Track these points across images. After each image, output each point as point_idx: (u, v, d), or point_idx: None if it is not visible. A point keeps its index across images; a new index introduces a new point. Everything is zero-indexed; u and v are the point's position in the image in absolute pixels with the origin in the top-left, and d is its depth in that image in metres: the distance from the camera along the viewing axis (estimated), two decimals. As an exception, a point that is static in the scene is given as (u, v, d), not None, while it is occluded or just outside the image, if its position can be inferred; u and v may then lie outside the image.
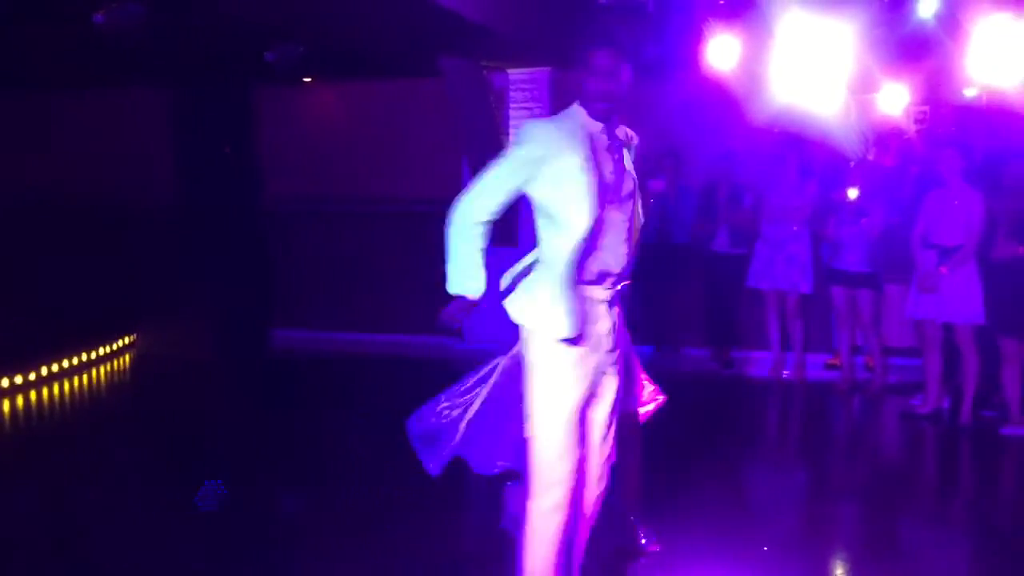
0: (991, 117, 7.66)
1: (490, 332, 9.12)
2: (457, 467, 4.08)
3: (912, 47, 7.26)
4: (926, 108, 8.41)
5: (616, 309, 3.38)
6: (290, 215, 9.63)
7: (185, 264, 8.76)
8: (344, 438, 6.23)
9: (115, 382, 8.26)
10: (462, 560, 4.32)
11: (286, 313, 9.53)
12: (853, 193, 7.15)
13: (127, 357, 9.00)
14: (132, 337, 9.22)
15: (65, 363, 8.09)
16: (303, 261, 9.60)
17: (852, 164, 7.46)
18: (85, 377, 8.17)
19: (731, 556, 4.28)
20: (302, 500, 5.10)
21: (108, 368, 8.58)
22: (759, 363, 8.13)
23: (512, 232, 8.81)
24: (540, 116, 8.81)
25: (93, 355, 8.53)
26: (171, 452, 5.89)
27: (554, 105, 8.76)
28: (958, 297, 6.32)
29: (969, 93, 8.04)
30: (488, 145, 8.65)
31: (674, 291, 8.28)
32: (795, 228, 7.63)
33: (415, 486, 5.22)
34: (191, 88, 8.77)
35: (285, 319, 9.51)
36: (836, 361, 7.86)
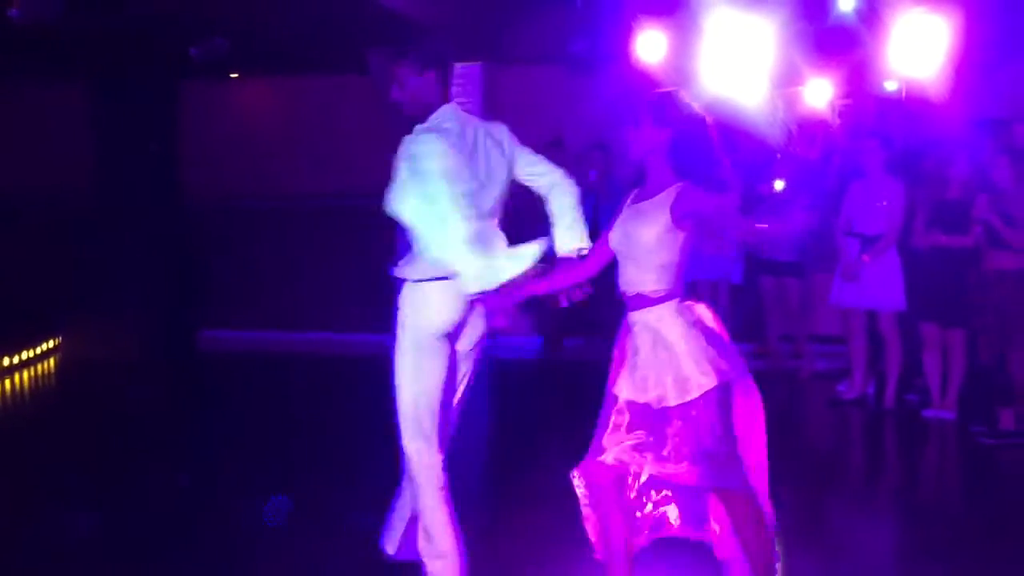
0: (911, 109, 7.89)
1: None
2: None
3: (834, 41, 7.43)
4: (849, 101, 8.60)
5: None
6: (218, 212, 9.47)
7: (109, 264, 8.54)
8: (272, 439, 6.15)
9: (39, 386, 8.04)
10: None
11: (215, 313, 9.37)
12: (779, 185, 7.29)
13: (51, 360, 8.76)
14: (56, 340, 8.98)
15: (-14, 368, 7.87)
16: (232, 260, 9.45)
17: (778, 156, 7.60)
18: (8, 382, 7.94)
19: (664, 541, 4.34)
20: (227, 503, 5.02)
21: (32, 372, 8.34)
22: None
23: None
24: (472, 110, 8.80)
25: (16, 359, 8.29)
26: (96, 456, 5.75)
27: (486, 100, 8.76)
28: (880, 285, 6.50)
29: (890, 86, 8.25)
30: (419, 140, 8.61)
31: (605, 283, 8.33)
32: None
33: (350, 485, 5.20)
34: (112, 83, 8.55)
35: (214, 319, 9.35)
36: (765, 349, 8.01)
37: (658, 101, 3.43)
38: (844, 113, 8.63)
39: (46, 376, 8.34)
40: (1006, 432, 5.87)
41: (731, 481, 3.32)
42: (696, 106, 3.45)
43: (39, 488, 5.24)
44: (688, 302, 3.42)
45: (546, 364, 8.54)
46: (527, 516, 4.60)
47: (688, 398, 3.27)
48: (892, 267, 6.47)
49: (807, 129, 7.88)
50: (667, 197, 3.33)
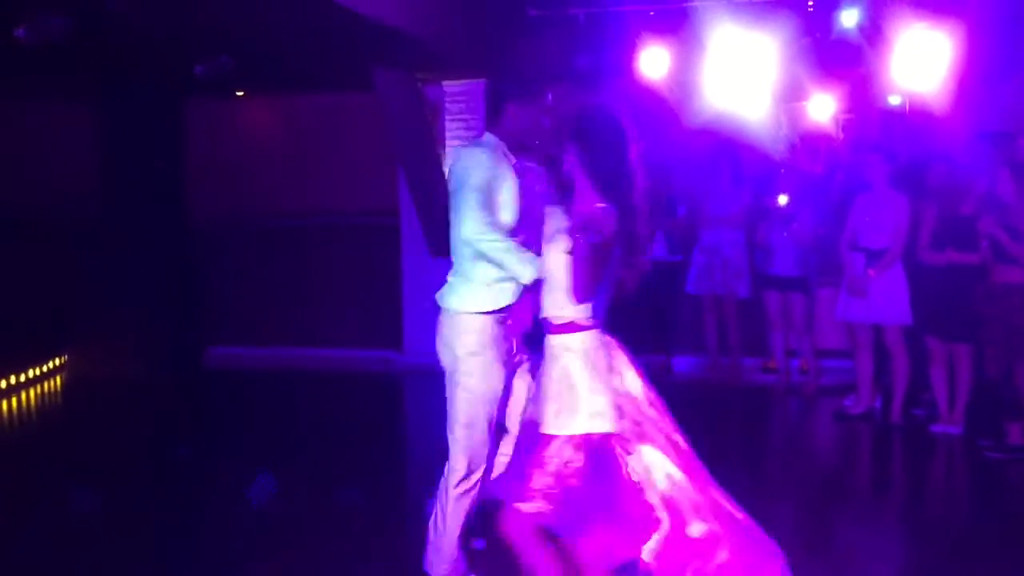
0: (914, 123, 7.90)
1: (431, 346, 9.11)
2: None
3: (837, 57, 7.46)
4: (852, 115, 8.62)
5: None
6: (223, 230, 9.49)
7: (114, 282, 8.56)
8: (279, 455, 6.15)
9: (45, 404, 8.05)
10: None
11: (220, 330, 9.38)
12: (783, 199, 7.30)
13: (58, 378, 8.77)
14: (62, 359, 8.99)
15: (-7, 386, 7.88)
16: (237, 277, 9.46)
17: (783, 171, 7.61)
18: (14, 400, 7.95)
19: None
20: (234, 520, 5.02)
21: (38, 391, 8.35)
22: (697, 367, 8.22)
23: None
24: (476, 128, 8.84)
25: (22, 377, 8.30)
26: (101, 474, 5.75)
27: (489, 118, 8.78)
28: (886, 299, 6.48)
29: (893, 100, 8.27)
30: (423, 158, 8.64)
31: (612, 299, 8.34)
32: (731, 234, 7.76)
33: (355, 502, 5.20)
34: (118, 101, 8.59)
35: (219, 336, 9.36)
36: (772, 364, 7.99)
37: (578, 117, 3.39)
38: (847, 127, 8.64)
39: (52, 394, 8.35)
40: (1014, 446, 5.84)
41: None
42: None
43: (44, 505, 5.23)
44: (597, 334, 3.32)
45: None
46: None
47: (563, 432, 3.22)
48: (898, 281, 6.46)
49: (810, 143, 7.90)
50: (579, 216, 3.21)
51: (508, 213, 3.65)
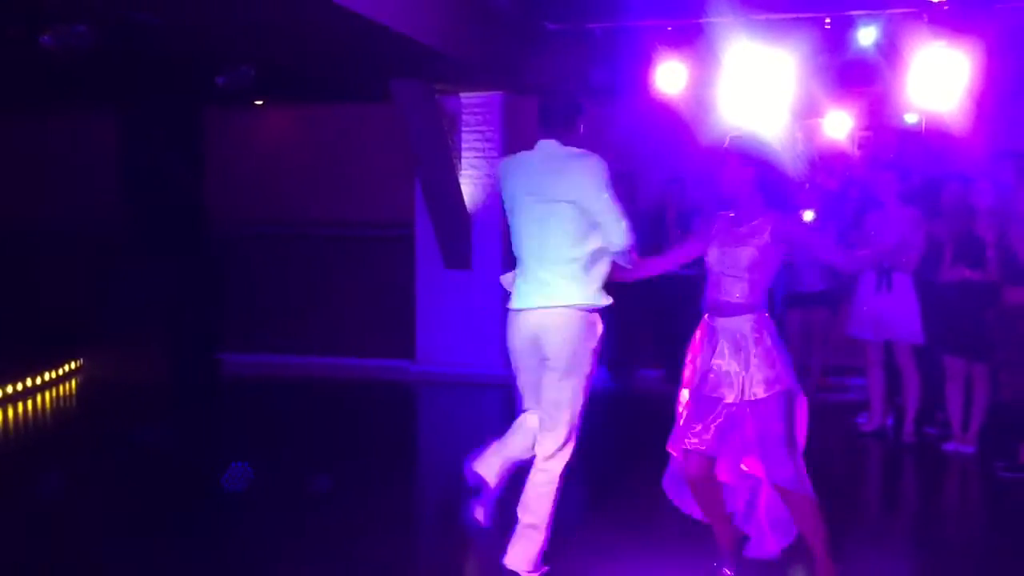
0: (930, 141, 7.90)
1: (444, 355, 9.16)
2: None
3: (854, 74, 7.47)
4: (869, 133, 8.63)
5: None
6: (242, 238, 9.57)
7: (133, 288, 8.64)
8: (294, 462, 6.18)
9: (62, 407, 8.12)
10: None
11: (238, 337, 9.45)
12: (809, 216, 7.29)
13: (74, 382, 8.84)
14: (79, 362, 9.06)
15: (10, 388, 7.93)
16: (255, 285, 9.54)
17: (806, 187, 7.59)
18: (31, 402, 8.02)
19: (682, 571, 4.34)
20: (248, 525, 5.05)
21: (54, 393, 8.42)
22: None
23: (466, 256, 8.85)
24: (492, 140, 8.89)
25: (39, 380, 8.37)
26: (118, 479, 5.80)
27: (506, 130, 8.84)
28: (897, 316, 6.47)
29: (910, 118, 8.27)
30: (441, 169, 8.69)
31: (626, 313, 8.36)
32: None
33: (375, 511, 5.22)
34: (139, 110, 8.69)
35: (237, 343, 9.43)
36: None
37: (741, 143, 4.05)
38: (864, 145, 8.65)
39: (67, 397, 8.42)
40: (1026, 467, 5.82)
41: (788, 481, 3.86)
42: (769, 146, 4.03)
43: (55, 507, 5.28)
44: (767, 315, 3.98)
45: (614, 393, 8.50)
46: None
47: (757, 397, 3.84)
48: (909, 299, 6.45)
49: (827, 160, 7.90)
50: (763, 224, 3.95)
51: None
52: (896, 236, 6.46)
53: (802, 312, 7.48)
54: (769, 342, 3.90)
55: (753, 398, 3.85)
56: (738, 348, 3.90)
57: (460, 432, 7.47)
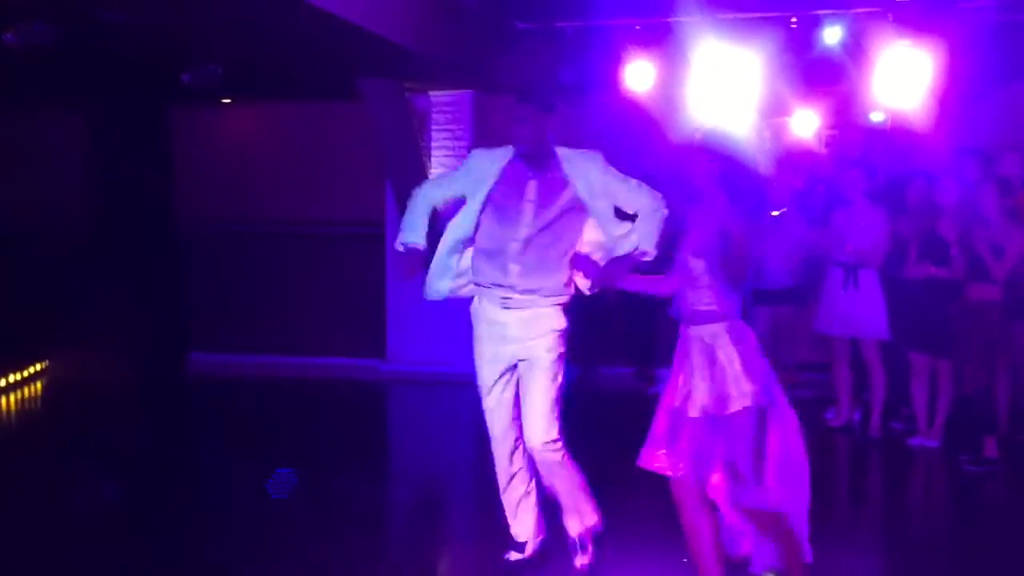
0: (896, 140, 7.99)
1: (414, 354, 9.13)
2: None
3: (820, 73, 7.54)
4: (836, 131, 8.71)
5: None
6: (211, 237, 9.49)
7: (99, 287, 8.54)
8: (260, 462, 6.15)
9: (26, 409, 8.01)
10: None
11: (206, 337, 9.37)
12: (776, 213, 7.34)
13: (39, 384, 8.73)
14: (44, 363, 8.95)
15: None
16: (223, 284, 9.46)
17: (775, 184, 7.64)
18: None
19: (652, 566, 4.37)
20: (214, 526, 5.02)
21: (19, 395, 8.31)
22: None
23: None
24: (463, 139, 8.88)
25: (3, 383, 8.26)
26: (82, 480, 5.74)
27: (477, 128, 8.83)
28: (863, 313, 6.55)
29: (876, 117, 8.36)
30: (411, 167, 8.66)
31: (595, 311, 8.39)
32: None
33: (345, 511, 5.20)
34: (104, 108, 8.59)
35: (205, 343, 9.35)
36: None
37: (708, 139, 3.80)
38: (831, 143, 8.73)
39: (32, 399, 8.31)
40: (990, 460, 5.90)
41: (756, 502, 3.61)
42: (741, 141, 3.81)
43: (22, 509, 5.22)
44: (741, 323, 3.71)
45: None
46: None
47: (726, 412, 3.55)
48: (875, 296, 6.52)
49: (793, 158, 7.97)
50: (713, 222, 3.66)
51: None
52: (862, 233, 6.54)
53: (770, 309, 7.53)
54: (740, 353, 3.63)
55: (720, 412, 3.58)
56: (708, 360, 3.64)
57: (431, 431, 7.47)
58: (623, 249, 3.95)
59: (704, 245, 3.64)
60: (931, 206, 6.29)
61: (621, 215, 4.11)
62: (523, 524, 4.25)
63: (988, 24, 7.03)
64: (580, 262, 4.02)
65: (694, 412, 3.62)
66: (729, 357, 3.61)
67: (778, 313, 7.51)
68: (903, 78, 6.88)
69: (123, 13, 5.41)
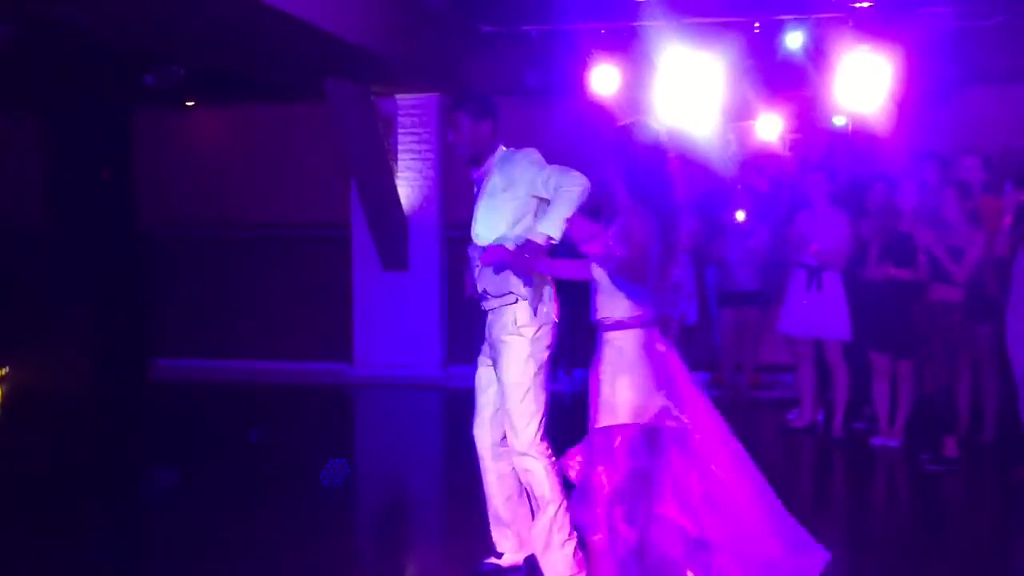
0: (857, 143, 8.09)
1: (382, 358, 9.10)
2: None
3: (783, 78, 7.62)
4: (799, 135, 8.80)
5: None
6: (174, 240, 9.41)
7: (59, 292, 8.43)
8: (223, 467, 6.10)
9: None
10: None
11: (169, 341, 9.28)
12: (741, 216, 7.41)
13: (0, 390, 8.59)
14: (4, 370, 8.80)
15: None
16: (187, 287, 9.38)
17: (739, 187, 7.72)
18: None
19: None
20: (183, 535, 4.97)
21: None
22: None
23: (404, 257, 8.81)
24: (429, 142, 8.87)
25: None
26: (41, 489, 5.66)
27: (443, 132, 8.83)
28: (826, 314, 6.62)
29: (838, 121, 8.46)
30: (377, 171, 8.65)
31: (563, 314, 8.40)
32: (680, 257, 7.87)
33: (311, 516, 5.17)
34: (65, 110, 8.48)
35: (168, 348, 9.26)
36: (720, 378, 8.10)
37: (615, 134, 3.55)
38: (795, 146, 8.82)
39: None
40: (950, 459, 5.99)
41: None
42: (658, 136, 3.51)
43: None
44: (651, 334, 3.42)
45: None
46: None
47: (608, 423, 3.33)
48: (838, 297, 6.60)
49: (758, 161, 8.05)
50: (616, 225, 3.42)
51: None
52: (825, 235, 6.61)
53: (734, 311, 7.61)
54: (633, 367, 3.36)
55: (607, 424, 3.35)
56: (612, 370, 3.41)
57: (398, 435, 7.45)
58: (532, 235, 3.83)
59: (606, 250, 3.40)
60: (891, 208, 6.38)
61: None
62: (498, 532, 4.17)
63: (946, 29, 7.14)
64: (488, 250, 3.90)
65: (596, 423, 3.43)
66: (619, 369, 3.38)
67: (743, 315, 7.59)
68: (864, 82, 6.98)
69: (82, 13, 5.35)
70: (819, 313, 6.63)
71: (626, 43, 7.31)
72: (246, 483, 5.76)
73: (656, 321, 3.45)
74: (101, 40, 6.28)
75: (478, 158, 4.05)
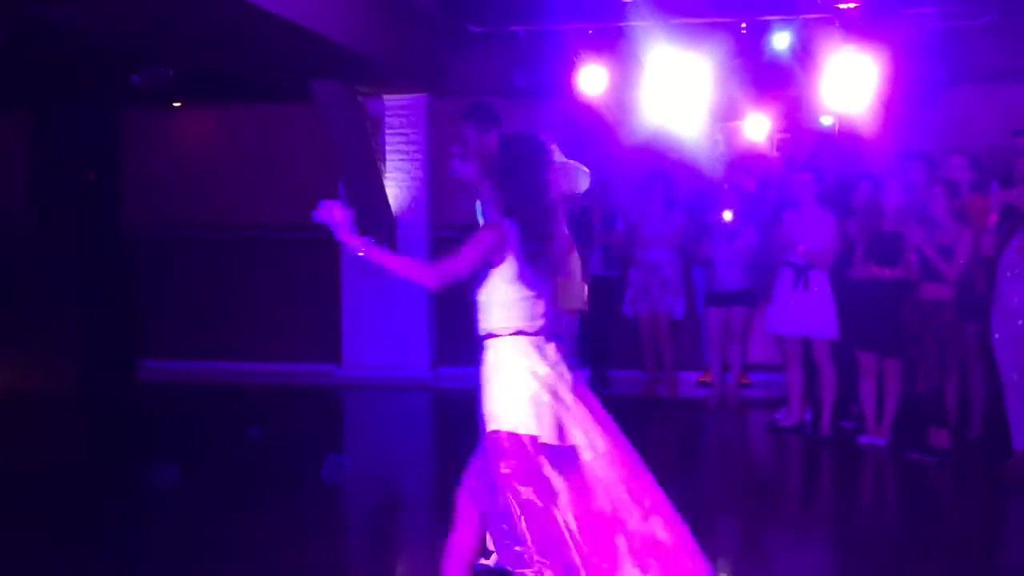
0: (843, 143, 8.12)
1: (370, 359, 9.09)
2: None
3: (770, 78, 7.65)
4: (787, 135, 8.84)
5: None
6: (162, 241, 9.37)
7: (46, 293, 8.40)
8: (212, 469, 6.08)
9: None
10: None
11: (157, 342, 9.25)
12: (728, 215, 7.42)
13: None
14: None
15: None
16: (175, 289, 9.34)
17: (726, 187, 7.74)
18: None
19: None
20: (174, 535, 4.95)
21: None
22: (633, 382, 8.30)
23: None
24: (417, 143, 8.87)
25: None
26: (28, 491, 5.63)
27: (431, 132, 8.83)
28: (814, 314, 6.65)
29: (825, 121, 8.50)
30: (364, 171, 8.63)
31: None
32: (667, 254, 7.89)
33: (300, 517, 5.16)
34: (53, 110, 8.46)
35: (156, 349, 9.22)
36: (707, 379, 8.12)
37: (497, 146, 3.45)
38: (782, 146, 8.85)
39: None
40: (940, 450, 6.01)
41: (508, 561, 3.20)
42: (540, 147, 3.39)
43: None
44: (520, 345, 3.31)
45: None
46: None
47: (490, 428, 3.24)
48: (825, 296, 6.63)
49: (745, 161, 8.07)
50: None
51: None
52: (812, 235, 6.64)
53: (722, 311, 7.63)
54: (509, 375, 3.28)
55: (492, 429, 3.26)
56: (485, 378, 3.34)
57: (387, 436, 7.44)
58: None
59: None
60: (877, 207, 6.41)
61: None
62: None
63: (932, 30, 7.18)
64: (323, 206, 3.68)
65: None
66: (489, 377, 3.31)
67: (730, 314, 7.61)
68: (850, 83, 7.00)
69: (70, 13, 5.33)
70: (807, 312, 6.65)
71: (614, 43, 7.32)
72: (235, 484, 5.75)
73: (533, 332, 3.32)
74: (90, 41, 6.26)
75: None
